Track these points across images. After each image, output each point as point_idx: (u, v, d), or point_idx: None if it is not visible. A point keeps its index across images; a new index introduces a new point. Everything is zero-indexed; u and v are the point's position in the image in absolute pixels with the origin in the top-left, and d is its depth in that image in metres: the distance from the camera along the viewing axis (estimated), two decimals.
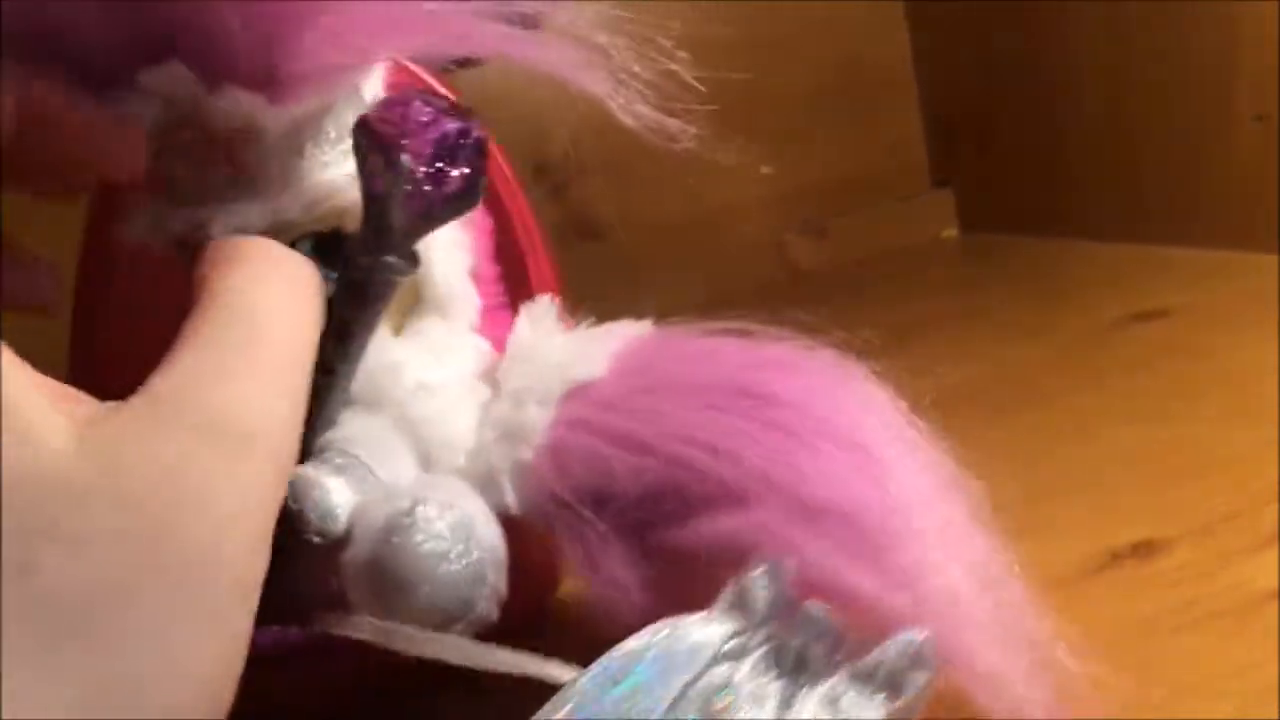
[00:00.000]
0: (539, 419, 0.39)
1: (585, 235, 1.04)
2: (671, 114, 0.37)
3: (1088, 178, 0.99)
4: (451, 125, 0.35)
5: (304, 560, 0.37)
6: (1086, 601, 0.43)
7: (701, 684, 0.29)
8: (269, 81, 0.36)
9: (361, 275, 0.35)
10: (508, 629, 0.38)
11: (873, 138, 1.15)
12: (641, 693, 0.28)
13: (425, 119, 0.34)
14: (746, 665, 0.30)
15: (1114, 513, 0.49)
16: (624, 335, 0.42)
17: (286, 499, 0.36)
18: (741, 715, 0.29)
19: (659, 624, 0.30)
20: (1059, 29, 0.98)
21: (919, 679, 0.29)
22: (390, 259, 0.35)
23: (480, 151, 0.35)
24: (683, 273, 1.05)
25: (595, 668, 0.29)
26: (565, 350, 0.41)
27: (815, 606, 0.31)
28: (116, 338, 0.46)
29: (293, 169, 0.38)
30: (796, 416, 0.36)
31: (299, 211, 0.38)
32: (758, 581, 0.31)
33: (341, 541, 0.36)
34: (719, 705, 0.29)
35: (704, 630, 0.30)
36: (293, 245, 0.39)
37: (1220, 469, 0.51)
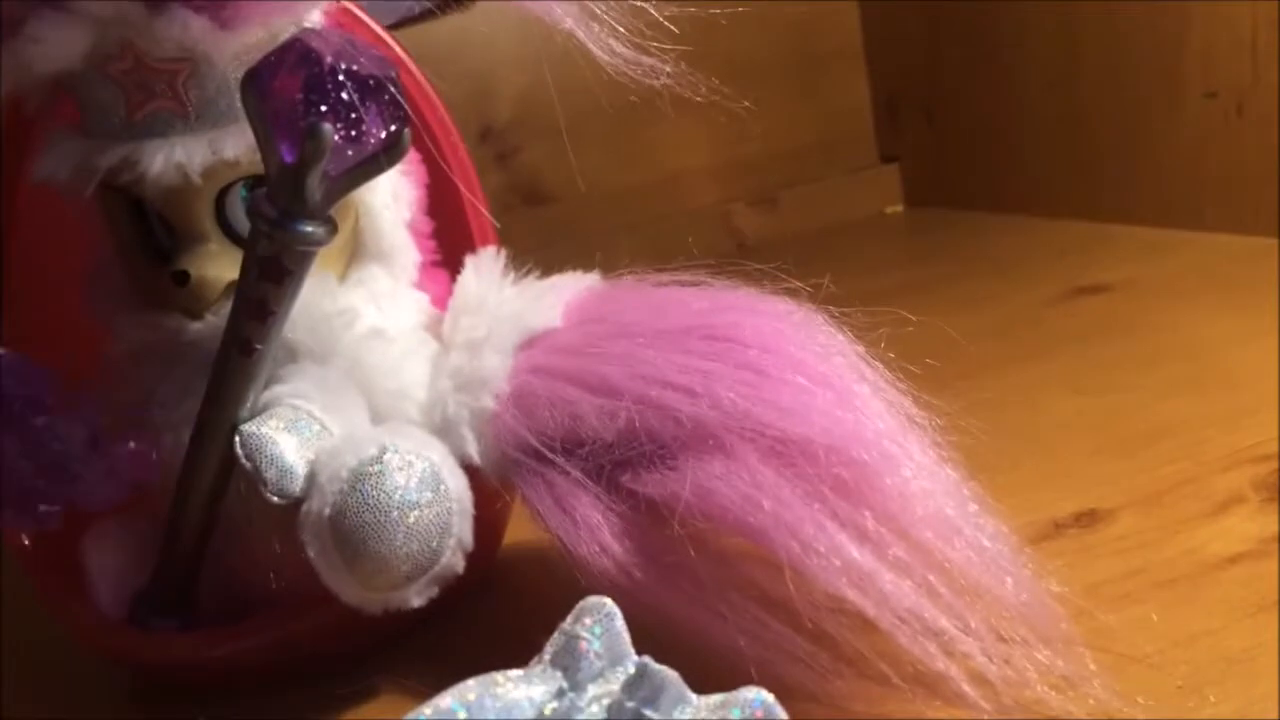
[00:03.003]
0: (499, 367, 0.39)
1: (530, 201, 1.03)
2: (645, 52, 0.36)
3: (1035, 154, 0.99)
4: (366, 77, 0.32)
5: None
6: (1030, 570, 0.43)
7: None
8: (216, 3, 0.34)
9: (275, 249, 0.33)
10: (457, 585, 0.37)
11: (821, 111, 1.14)
12: None
13: (333, 75, 0.32)
14: None
15: (1057, 481, 0.49)
16: (575, 286, 0.42)
17: (240, 458, 0.35)
18: None
19: (470, 681, 0.27)
20: (1009, 5, 0.98)
21: None
22: (307, 229, 0.33)
23: (399, 99, 0.33)
24: (628, 241, 1.04)
25: None
26: (518, 300, 0.41)
27: (653, 663, 0.27)
28: (21, 327, 0.44)
29: (237, 106, 0.36)
30: (767, 356, 0.36)
31: (243, 150, 0.37)
32: (586, 631, 0.28)
33: (300, 497, 0.35)
34: None
35: (522, 689, 0.27)
36: (226, 190, 0.38)
37: (1165, 438, 0.51)
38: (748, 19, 1.09)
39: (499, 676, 0.27)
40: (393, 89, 0.33)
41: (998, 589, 0.34)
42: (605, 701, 0.27)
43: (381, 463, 0.34)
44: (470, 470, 0.38)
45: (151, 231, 0.39)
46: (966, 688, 0.32)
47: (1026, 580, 0.34)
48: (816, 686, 0.33)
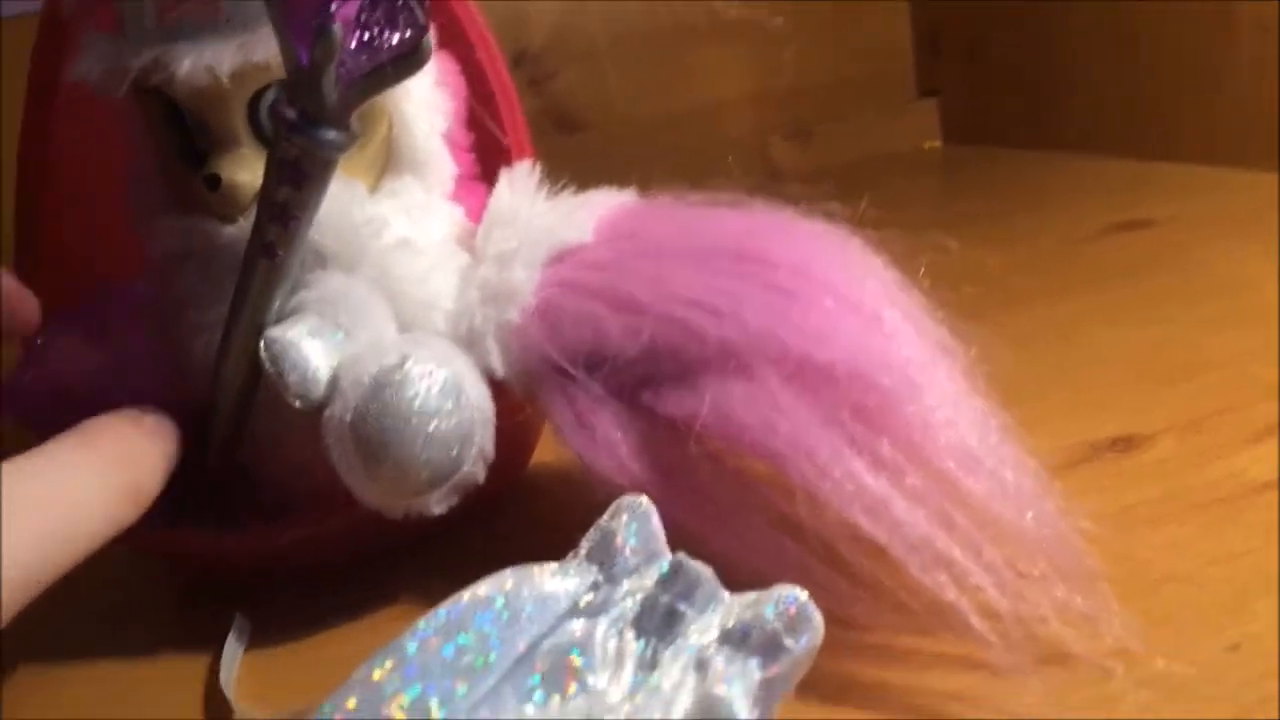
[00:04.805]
0: (526, 281, 0.38)
1: (563, 127, 1.02)
2: None
3: (1077, 90, 0.97)
4: None
5: None
6: (1064, 494, 0.42)
7: (550, 642, 0.26)
8: None
9: (295, 153, 0.33)
10: (483, 494, 0.37)
11: (861, 44, 1.12)
12: (482, 647, 0.26)
13: None
14: (604, 622, 0.26)
15: (1094, 409, 0.48)
16: (608, 203, 0.41)
17: (264, 361, 0.35)
18: (592, 679, 0.25)
19: (507, 571, 0.27)
20: None
21: (799, 643, 0.26)
22: (326, 134, 0.33)
23: (421, 8, 0.32)
24: (661, 170, 1.03)
25: (435, 615, 0.26)
26: (550, 215, 0.40)
27: (688, 559, 0.28)
28: (59, 227, 0.44)
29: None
30: (797, 278, 0.35)
31: (274, 54, 0.36)
32: (623, 528, 0.28)
33: (323, 402, 0.35)
34: (569, 665, 0.25)
35: (558, 581, 0.27)
36: (259, 95, 0.38)
37: (1206, 370, 0.50)
38: None
39: (535, 569, 0.28)
40: None
41: (1018, 522, 0.33)
42: (639, 596, 0.27)
43: (403, 370, 0.34)
44: (495, 382, 0.38)
45: (188, 135, 0.39)
46: (975, 620, 0.31)
47: (1049, 514, 0.33)
48: (836, 610, 0.33)
